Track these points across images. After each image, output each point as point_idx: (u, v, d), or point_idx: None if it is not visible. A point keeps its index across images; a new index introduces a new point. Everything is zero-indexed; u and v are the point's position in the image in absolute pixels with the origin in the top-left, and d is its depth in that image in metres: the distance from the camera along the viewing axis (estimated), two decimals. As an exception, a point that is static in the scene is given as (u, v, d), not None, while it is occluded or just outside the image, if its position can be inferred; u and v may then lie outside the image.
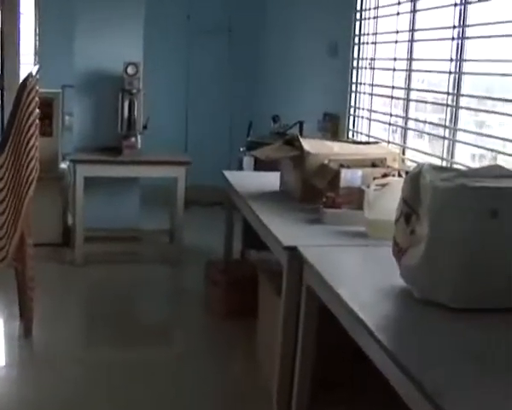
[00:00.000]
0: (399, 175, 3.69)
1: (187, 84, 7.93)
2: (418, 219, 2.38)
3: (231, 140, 7.92)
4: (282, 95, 6.83)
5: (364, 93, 5.10)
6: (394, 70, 4.65)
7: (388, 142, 4.54)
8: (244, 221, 4.61)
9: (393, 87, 4.62)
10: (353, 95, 5.15)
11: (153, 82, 6.35)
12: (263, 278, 3.96)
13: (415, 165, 4.20)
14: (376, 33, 4.98)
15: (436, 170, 2.45)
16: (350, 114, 5.16)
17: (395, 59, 4.61)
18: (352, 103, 5.15)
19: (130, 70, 5.74)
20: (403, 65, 4.70)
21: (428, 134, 4.34)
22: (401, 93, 4.65)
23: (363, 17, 5.06)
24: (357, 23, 5.09)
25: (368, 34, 5.04)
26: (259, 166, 5.51)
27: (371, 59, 5.03)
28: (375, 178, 3.52)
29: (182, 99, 7.96)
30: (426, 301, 2.33)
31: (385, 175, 3.61)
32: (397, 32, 4.57)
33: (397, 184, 2.99)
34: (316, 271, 2.70)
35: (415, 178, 2.45)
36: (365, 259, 3.00)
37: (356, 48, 5.10)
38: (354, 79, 5.13)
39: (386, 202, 3.17)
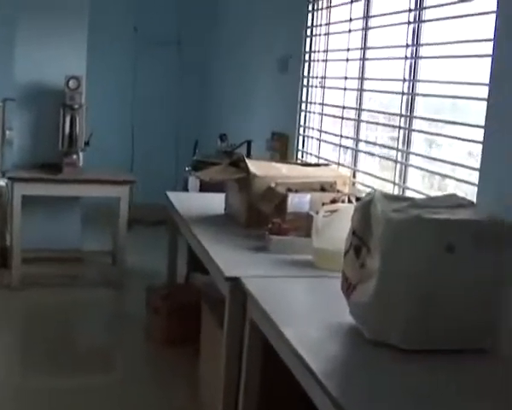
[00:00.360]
0: (349, 201, 3.52)
1: (133, 98, 7.67)
2: (369, 252, 2.20)
3: (178, 158, 7.72)
4: (229, 112, 6.64)
5: (314, 112, 4.94)
6: (345, 89, 4.50)
7: (338, 164, 4.38)
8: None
9: (344, 107, 4.45)
10: (303, 114, 4.98)
11: (97, 96, 6.12)
12: (205, 308, 3.75)
13: (366, 189, 4.09)
14: (327, 51, 4.83)
15: (388, 199, 2.27)
16: (299, 134, 4.99)
17: (346, 78, 4.47)
18: (302, 123, 4.98)
19: (72, 84, 5.50)
20: (354, 84, 4.56)
21: (380, 157, 4.19)
22: (352, 113, 4.50)
23: (314, 33, 4.90)
24: (308, 39, 4.92)
25: (318, 51, 4.89)
26: (205, 186, 5.31)
27: (322, 77, 4.88)
28: (324, 204, 3.35)
29: (127, 114, 7.70)
30: (376, 342, 2.15)
31: (334, 201, 3.45)
32: (348, 49, 4.43)
33: (346, 211, 2.82)
34: (259, 305, 2.51)
35: (365, 208, 2.27)
36: (312, 292, 2.81)
37: (306, 65, 4.94)
38: (304, 98, 4.97)
39: (335, 230, 3.00)
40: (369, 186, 4.13)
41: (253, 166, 3.79)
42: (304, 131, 4.99)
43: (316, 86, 4.93)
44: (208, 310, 3.65)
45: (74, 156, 5.48)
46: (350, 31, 4.30)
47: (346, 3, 4.56)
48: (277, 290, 2.72)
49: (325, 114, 4.86)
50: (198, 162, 5.47)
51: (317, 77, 4.92)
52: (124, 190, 5.39)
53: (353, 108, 4.34)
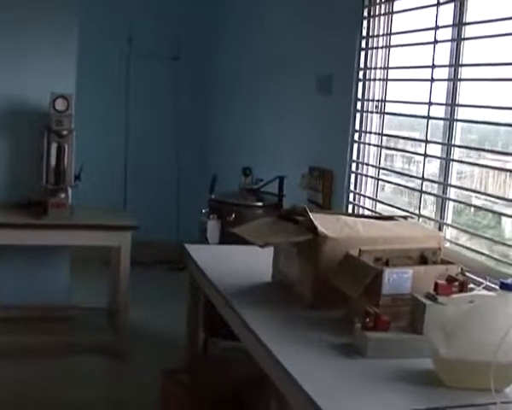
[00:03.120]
0: (463, 274, 2.52)
1: (126, 121, 6.60)
2: None
3: (179, 190, 6.71)
4: (251, 141, 5.57)
5: (370, 144, 3.94)
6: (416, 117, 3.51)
7: (419, 215, 3.35)
8: (206, 299, 3.43)
9: (427, 142, 3.39)
10: (356, 146, 3.97)
11: (85, 118, 5.04)
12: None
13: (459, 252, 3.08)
14: (388, 67, 3.84)
15: None
16: (351, 171, 3.97)
17: (430, 103, 3.43)
18: (354, 157, 3.97)
19: (60, 105, 4.46)
20: (424, 110, 3.59)
21: (486, 210, 3.16)
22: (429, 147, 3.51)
23: (369, 46, 3.90)
24: (363, 53, 3.91)
25: (375, 68, 3.89)
26: (228, 232, 4.31)
27: (380, 101, 3.88)
28: (439, 286, 2.34)
29: (120, 140, 6.62)
30: None
31: (450, 280, 2.43)
32: (433, 66, 3.40)
33: (489, 303, 2.04)
34: None
35: None
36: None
37: (360, 85, 3.93)
38: (357, 126, 3.96)
39: (474, 331, 2.04)
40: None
41: (319, 221, 2.77)
42: (357, 167, 3.98)
43: (372, 112, 3.92)
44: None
45: (62, 195, 4.42)
46: (436, 41, 3.27)
47: (413, 9, 3.58)
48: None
49: (386, 147, 3.86)
50: (217, 203, 4.44)
51: (373, 100, 3.91)
52: (125, 237, 4.34)
53: (438, 143, 3.32)
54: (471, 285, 2.55)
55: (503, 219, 3.15)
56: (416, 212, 3.43)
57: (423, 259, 2.66)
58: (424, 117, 3.31)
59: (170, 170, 6.78)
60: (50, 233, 4.27)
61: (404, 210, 3.57)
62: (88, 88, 5.63)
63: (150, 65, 6.53)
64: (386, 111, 3.87)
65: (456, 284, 2.42)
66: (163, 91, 6.68)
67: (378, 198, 3.88)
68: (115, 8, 6.30)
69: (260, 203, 4.40)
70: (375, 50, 3.89)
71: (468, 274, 2.62)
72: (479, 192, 3.20)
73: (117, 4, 6.34)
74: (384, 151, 3.87)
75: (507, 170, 3.08)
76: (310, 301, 2.76)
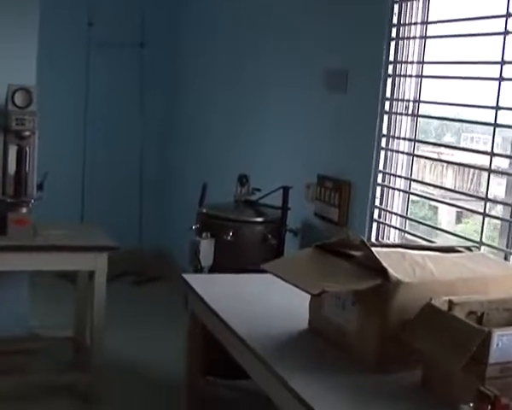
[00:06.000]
0: None
1: (85, 116, 5.85)
2: None
3: (142, 192, 6.02)
4: (239, 144, 4.86)
5: (398, 152, 3.33)
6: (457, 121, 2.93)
7: (480, 244, 2.75)
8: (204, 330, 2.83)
9: (493, 154, 2.77)
10: (382, 153, 3.35)
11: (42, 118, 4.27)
12: None
13: None
14: (423, 62, 3.24)
15: None
16: (377, 183, 3.35)
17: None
18: (381, 166, 3.35)
19: (20, 99, 3.71)
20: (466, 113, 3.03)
21: None
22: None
23: (400, 35, 3.29)
24: (393, 44, 3.30)
25: (407, 62, 3.28)
26: (223, 252, 3.67)
27: (413, 101, 3.28)
28: None
29: (78, 141, 5.85)
30: None
31: None
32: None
33: None
34: None
35: None
36: None
37: (389, 82, 3.32)
38: (385, 130, 3.34)
39: None
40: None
41: (384, 259, 2.15)
42: (383, 179, 3.36)
43: (402, 113, 3.32)
44: None
45: (24, 210, 3.68)
46: (507, 32, 2.67)
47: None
48: None
49: (423, 157, 3.26)
50: (209, 217, 3.77)
51: (403, 100, 3.30)
52: (101, 260, 3.61)
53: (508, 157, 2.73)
54: None
55: None
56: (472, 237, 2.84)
57: (524, 310, 2.08)
58: (490, 124, 2.71)
59: (133, 170, 6.07)
60: (11, 257, 3.52)
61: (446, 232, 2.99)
62: (43, 80, 4.87)
63: (113, 53, 5.80)
64: (420, 114, 3.27)
65: None
66: (127, 82, 5.95)
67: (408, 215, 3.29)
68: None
69: (261, 219, 3.76)
70: (406, 41, 3.27)
71: None
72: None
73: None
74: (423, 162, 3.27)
75: None
76: (373, 363, 2.16)
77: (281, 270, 2.35)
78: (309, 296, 2.34)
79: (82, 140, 5.84)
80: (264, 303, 2.78)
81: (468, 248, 2.59)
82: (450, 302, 2.01)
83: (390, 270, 2.11)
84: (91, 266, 3.64)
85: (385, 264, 2.13)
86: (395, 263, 2.18)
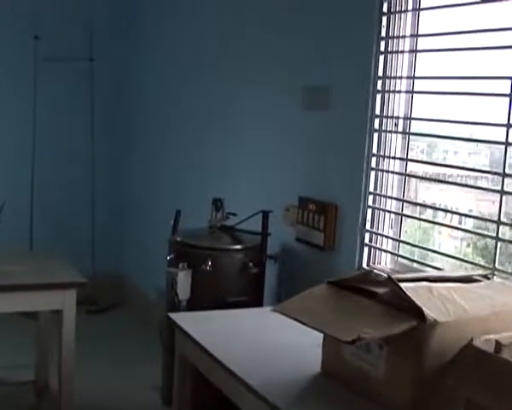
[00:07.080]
0: None
1: (33, 136, 5.51)
2: None
3: (95, 218, 5.73)
4: (208, 164, 4.60)
5: (388, 172, 3.15)
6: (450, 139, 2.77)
7: (493, 270, 2.58)
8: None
9: (488, 172, 2.63)
10: (373, 174, 3.16)
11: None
12: None
13: None
14: (414, 77, 3.07)
15: None
16: (367, 206, 3.17)
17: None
18: (371, 188, 3.16)
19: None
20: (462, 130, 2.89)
21: None
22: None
23: (389, 49, 3.11)
24: (381, 58, 3.11)
25: (395, 78, 3.11)
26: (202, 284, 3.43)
27: (403, 118, 3.11)
28: None
29: (25, 160, 5.51)
30: None
31: None
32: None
33: None
34: None
35: None
36: None
37: (378, 98, 3.13)
38: (375, 150, 3.15)
39: None
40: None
41: (413, 295, 1.95)
42: (374, 201, 3.17)
43: (391, 131, 3.14)
44: None
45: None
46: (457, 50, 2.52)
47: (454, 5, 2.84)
48: None
49: (418, 177, 3.09)
50: (184, 246, 3.51)
51: (392, 117, 3.13)
52: (69, 298, 3.32)
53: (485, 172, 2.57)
54: None
55: None
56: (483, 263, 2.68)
57: None
58: (502, 143, 2.55)
59: (84, 192, 5.76)
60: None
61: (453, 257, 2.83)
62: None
63: (61, 67, 5.47)
64: (411, 131, 3.10)
65: None
66: (77, 98, 5.64)
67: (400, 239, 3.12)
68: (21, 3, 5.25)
69: (240, 246, 3.53)
70: (395, 55, 3.10)
71: None
72: None
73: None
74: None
75: None
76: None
77: (299, 313, 2.12)
78: (313, 332, 2.12)
79: (30, 161, 5.50)
80: (266, 342, 2.55)
81: (486, 277, 2.42)
82: (498, 343, 1.83)
83: (425, 309, 1.91)
84: (58, 304, 3.33)
85: (418, 302, 1.93)
86: (425, 300, 1.99)
